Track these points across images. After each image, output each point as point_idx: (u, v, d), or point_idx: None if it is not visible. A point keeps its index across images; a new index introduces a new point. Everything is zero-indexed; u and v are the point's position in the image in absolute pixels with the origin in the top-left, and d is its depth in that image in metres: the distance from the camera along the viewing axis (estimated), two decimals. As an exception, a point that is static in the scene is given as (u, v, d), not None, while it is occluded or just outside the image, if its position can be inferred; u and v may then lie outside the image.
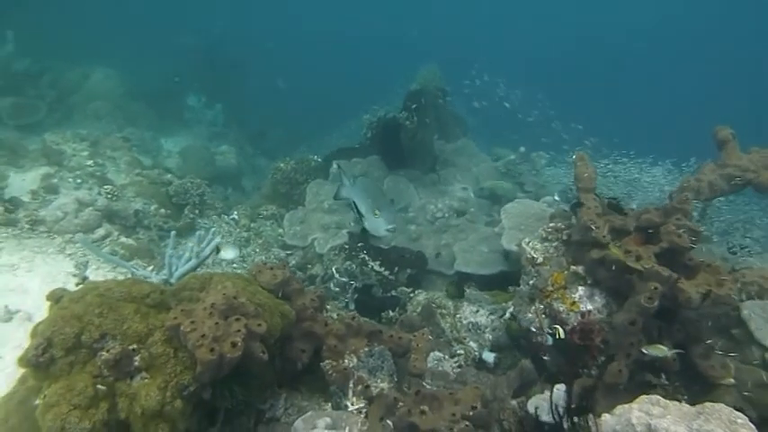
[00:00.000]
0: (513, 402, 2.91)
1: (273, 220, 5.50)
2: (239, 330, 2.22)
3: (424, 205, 5.51)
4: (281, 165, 5.87)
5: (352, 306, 4.15)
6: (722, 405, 1.79)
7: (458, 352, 3.41)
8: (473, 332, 3.50)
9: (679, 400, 2.76)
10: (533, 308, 3.27)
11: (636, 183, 4.09)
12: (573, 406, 2.13)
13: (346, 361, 2.88)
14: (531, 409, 2.64)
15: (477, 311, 3.60)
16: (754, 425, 1.73)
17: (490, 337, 3.47)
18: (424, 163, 5.86)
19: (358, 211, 2.92)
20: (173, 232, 3.41)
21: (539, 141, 6.39)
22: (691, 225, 2.92)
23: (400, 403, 2.69)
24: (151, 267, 3.69)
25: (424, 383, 3.17)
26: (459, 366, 3.33)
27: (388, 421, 2.64)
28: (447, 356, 3.40)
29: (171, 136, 8.31)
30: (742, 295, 2.71)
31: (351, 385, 2.82)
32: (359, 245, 4.89)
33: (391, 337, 3.02)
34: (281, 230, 5.29)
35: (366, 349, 2.94)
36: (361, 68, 16.04)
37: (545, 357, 3.19)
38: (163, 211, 5.10)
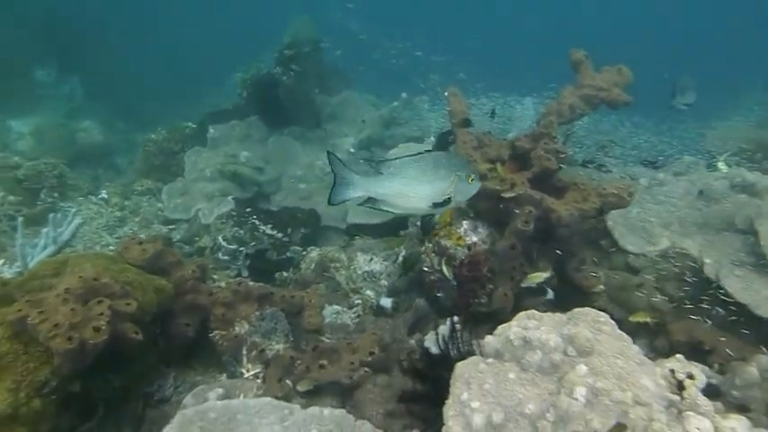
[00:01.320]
0: (412, 341, 2.96)
1: (151, 195, 5.08)
2: (102, 313, 2.01)
3: (312, 162, 5.36)
4: (153, 136, 5.40)
5: (245, 273, 3.98)
6: (588, 308, 1.89)
7: (356, 302, 3.39)
8: (369, 281, 3.49)
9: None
10: (423, 248, 3.30)
11: (511, 117, 4.24)
12: (458, 334, 2.17)
13: (237, 328, 2.76)
14: (427, 344, 2.69)
15: (371, 260, 3.58)
16: (617, 321, 1.86)
17: (386, 283, 3.48)
18: (308, 119, 5.67)
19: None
20: (20, 219, 3.00)
21: (419, 87, 6.41)
22: (557, 147, 3.05)
23: (298, 362, 2.64)
24: (2, 261, 3.25)
25: (323, 338, 3.13)
26: (359, 316, 3.32)
27: (287, 381, 2.58)
28: (345, 308, 3.38)
29: (20, 117, 7.31)
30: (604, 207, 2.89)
31: (244, 352, 2.71)
32: (247, 209, 4.68)
33: (283, 297, 2.93)
34: (160, 205, 4.90)
35: (257, 313, 2.83)
36: (231, 23, 14.93)
37: (439, 294, 3.26)
38: (12, 198, 4.50)
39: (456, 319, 2.66)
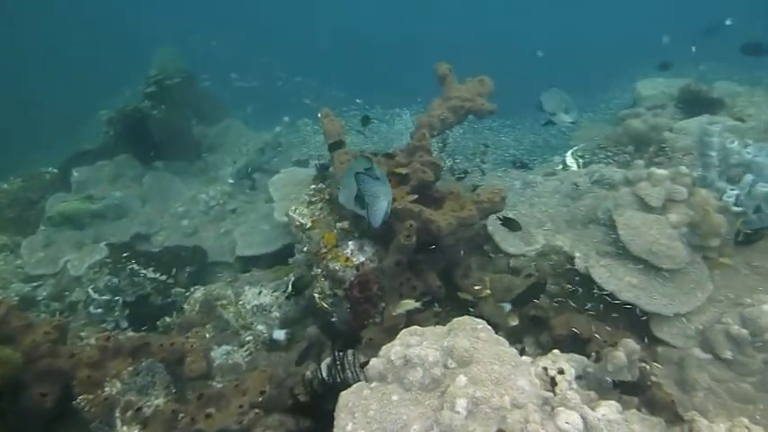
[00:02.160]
0: (308, 373, 2.83)
1: (8, 252, 4.51)
2: None
3: (195, 196, 5.08)
4: (5, 186, 4.82)
5: (123, 325, 3.64)
6: (466, 317, 1.89)
7: (247, 339, 3.21)
8: (259, 315, 3.32)
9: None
10: (312, 274, 3.20)
11: (391, 131, 4.29)
12: (342, 362, 2.10)
13: (107, 389, 2.47)
14: (323, 372, 2.58)
15: (260, 292, 3.42)
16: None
17: (278, 314, 3.32)
18: (187, 151, 5.38)
19: None
20: None
21: (300, 109, 6.32)
22: (433, 159, 3.11)
23: (181, 415, 2.42)
24: None
25: (213, 383, 2.91)
26: (251, 353, 3.14)
27: (170, 439, 2.35)
28: (236, 347, 3.18)
29: None
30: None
31: (117, 414, 2.43)
32: (124, 255, 4.30)
33: (161, 346, 2.68)
34: (19, 261, 4.36)
35: (130, 369, 2.57)
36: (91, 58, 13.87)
37: (333, 319, 3.17)
38: None
39: (339, 348, 2.59)
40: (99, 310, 3.53)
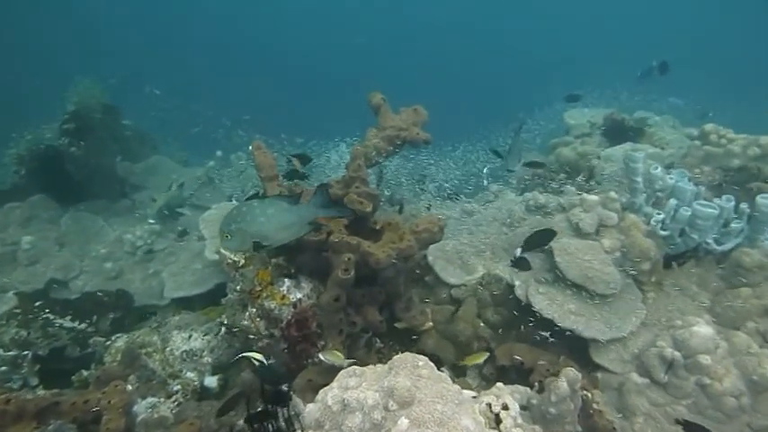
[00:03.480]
0: (241, 422, 2.62)
1: None
2: None
3: (120, 236, 4.75)
4: None
5: (33, 382, 3.28)
6: (407, 354, 1.80)
7: (175, 389, 2.96)
8: (189, 361, 3.08)
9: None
10: (247, 314, 3.02)
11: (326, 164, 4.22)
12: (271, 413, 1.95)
13: (6, 459, 2.17)
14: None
15: (190, 337, 3.18)
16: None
17: (210, 360, 3.10)
18: (110, 190, 5.05)
19: None
20: None
21: (234, 143, 6.15)
22: (369, 190, 3.04)
23: (96, 483, 2.16)
24: None
25: (134, 443, 2.64)
26: (179, 405, 2.89)
27: None
28: (163, 398, 2.92)
29: None
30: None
31: (18, 489, 2.13)
32: (36, 304, 3.92)
33: (73, 404, 2.41)
34: None
35: (36, 433, 2.27)
36: None
37: (270, 361, 2.98)
38: None
39: (271, 395, 2.42)
40: (3, 368, 3.16)
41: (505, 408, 1.58)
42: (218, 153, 5.65)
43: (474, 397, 1.75)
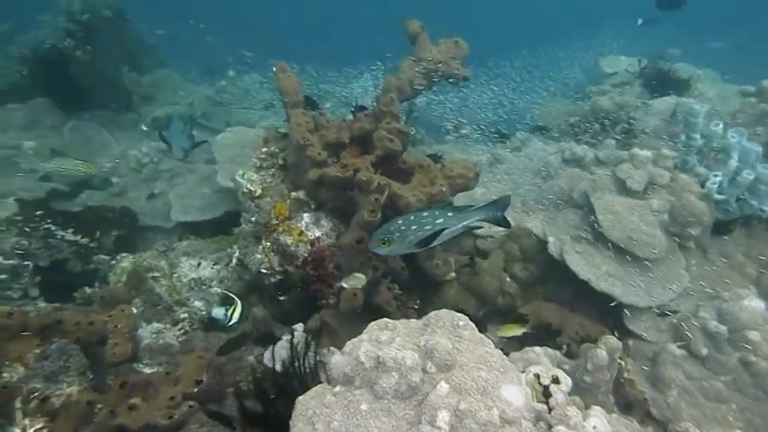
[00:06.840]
0: (251, 357, 2.52)
1: None
2: None
3: (125, 151, 4.52)
4: None
5: (34, 293, 3.17)
6: (445, 311, 1.64)
7: (181, 317, 2.85)
8: (197, 289, 2.96)
9: (412, 307, 2.78)
10: (260, 247, 2.86)
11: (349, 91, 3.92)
12: (301, 350, 1.81)
13: (5, 375, 2.07)
14: (267, 360, 2.29)
15: (199, 265, 3.05)
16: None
17: (218, 290, 2.97)
18: (115, 101, 4.76)
19: None
20: None
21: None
22: (400, 127, 2.80)
23: (99, 405, 2.07)
24: None
25: (139, 367, 2.56)
26: (185, 333, 2.79)
27: (86, 434, 2.00)
28: (168, 325, 2.82)
29: None
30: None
31: (18, 405, 2.05)
32: (38, 213, 3.75)
33: (77, 324, 2.29)
34: None
35: (37, 351, 2.17)
36: None
37: (282, 298, 2.86)
38: None
39: (299, 332, 2.30)
40: (3, 276, 3.04)
41: (556, 381, 1.44)
42: (231, 73, 5.30)
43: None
